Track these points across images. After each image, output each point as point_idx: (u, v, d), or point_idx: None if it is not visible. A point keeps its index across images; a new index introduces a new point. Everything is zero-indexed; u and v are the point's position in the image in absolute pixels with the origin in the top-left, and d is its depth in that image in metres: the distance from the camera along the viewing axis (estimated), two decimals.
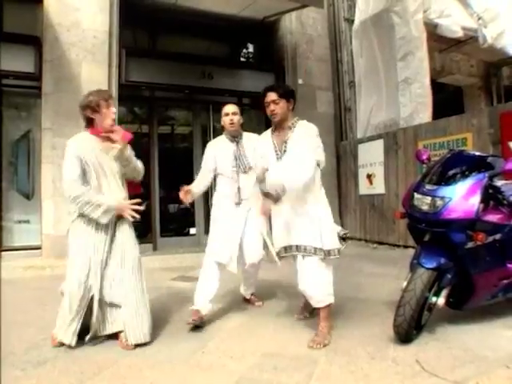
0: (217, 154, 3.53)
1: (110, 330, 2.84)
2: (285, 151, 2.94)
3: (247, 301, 3.83)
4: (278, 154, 2.97)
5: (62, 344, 2.77)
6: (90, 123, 2.87)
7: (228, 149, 3.51)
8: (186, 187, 3.35)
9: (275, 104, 2.94)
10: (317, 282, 2.85)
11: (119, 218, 2.86)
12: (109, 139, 2.86)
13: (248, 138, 3.58)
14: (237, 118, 3.52)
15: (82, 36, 6.76)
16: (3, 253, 6.54)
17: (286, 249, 2.94)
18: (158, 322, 3.26)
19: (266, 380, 2.28)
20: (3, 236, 6.72)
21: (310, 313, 3.30)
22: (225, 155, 3.50)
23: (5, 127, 6.85)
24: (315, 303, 2.92)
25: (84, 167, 2.77)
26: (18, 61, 6.46)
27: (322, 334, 2.82)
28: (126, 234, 2.89)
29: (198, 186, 3.55)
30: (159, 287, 4.40)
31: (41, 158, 6.60)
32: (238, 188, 3.46)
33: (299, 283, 2.91)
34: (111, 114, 2.85)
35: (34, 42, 6.63)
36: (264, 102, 3.01)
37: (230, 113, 3.51)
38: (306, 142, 2.85)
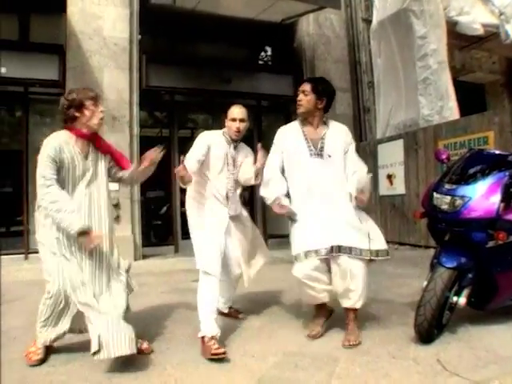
0: (211, 147, 3.07)
1: None
2: (321, 147, 2.94)
3: (225, 315, 3.39)
4: (311, 150, 2.93)
5: None
6: (71, 122, 2.70)
7: (223, 148, 3.12)
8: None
9: (304, 95, 2.94)
10: (363, 284, 2.79)
11: None
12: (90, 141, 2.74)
13: (242, 147, 3.26)
14: (243, 126, 3.11)
15: (104, 43, 6.94)
16: (30, 255, 6.76)
17: (328, 249, 2.74)
18: (181, 323, 3.34)
19: (287, 378, 2.31)
20: (30, 239, 6.92)
21: (322, 326, 2.96)
22: (218, 153, 3.10)
23: (31, 133, 7.08)
24: (352, 304, 2.82)
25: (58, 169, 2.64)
26: (44, 69, 6.70)
27: (355, 333, 2.79)
28: None
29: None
30: (181, 289, 4.49)
31: None
32: (232, 188, 3.16)
33: (338, 285, 2.81)
34: (99, 113, 2.68)
35: (57, 50, 6.84)
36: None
37: (238, 119, 3.09)
38: (353, 148, 3.12)
